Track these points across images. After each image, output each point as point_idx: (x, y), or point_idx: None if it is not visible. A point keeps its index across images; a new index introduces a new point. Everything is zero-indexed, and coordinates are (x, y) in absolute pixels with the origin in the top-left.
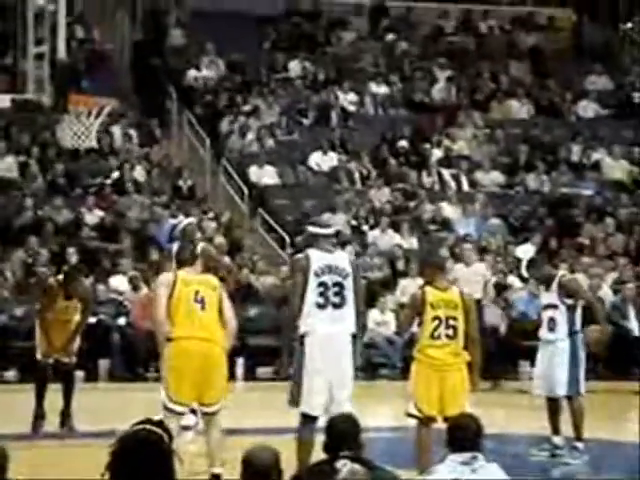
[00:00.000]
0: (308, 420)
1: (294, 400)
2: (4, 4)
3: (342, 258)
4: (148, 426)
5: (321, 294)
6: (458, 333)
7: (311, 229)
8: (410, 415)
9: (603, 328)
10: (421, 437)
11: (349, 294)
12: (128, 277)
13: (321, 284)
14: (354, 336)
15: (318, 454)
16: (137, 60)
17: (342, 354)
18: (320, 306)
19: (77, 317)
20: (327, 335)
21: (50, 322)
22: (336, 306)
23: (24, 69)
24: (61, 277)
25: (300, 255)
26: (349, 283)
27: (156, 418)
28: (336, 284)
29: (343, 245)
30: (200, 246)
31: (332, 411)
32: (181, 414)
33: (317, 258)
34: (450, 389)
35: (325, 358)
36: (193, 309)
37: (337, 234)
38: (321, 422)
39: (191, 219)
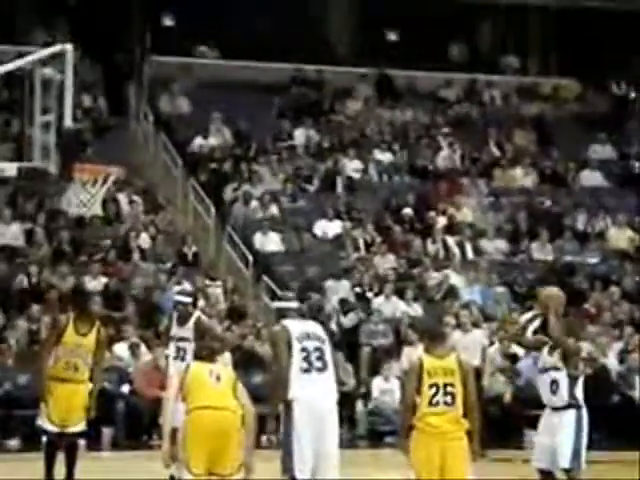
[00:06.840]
0: None
1: (287, 468)
2: (12, 73)
3: (315, 326)
4: None
5: (305, 359)
6: (456, 400)
7: (277, 304)
8: None
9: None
10: None
11: (329, 359)
12: (128, 344)
13: (303, 349)
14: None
15: None
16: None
17: (327, 421)
18: (305, 371)
19: (85, 373)
20: (313, 401)
21: (56, 376)
22: (320, 370)
23: (30, 137)
24: (72, 314)
25: (277, 327)
26: (328, 348)
27: None
28: (317, 349)
29: (346, 313)
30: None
31: (318, 477)
32: None
33: (294, 326)
34: (451, 457)
35: (311, 424)
36: (207, 382)
37: (317, 308)
38: None
39: (180, 288)
